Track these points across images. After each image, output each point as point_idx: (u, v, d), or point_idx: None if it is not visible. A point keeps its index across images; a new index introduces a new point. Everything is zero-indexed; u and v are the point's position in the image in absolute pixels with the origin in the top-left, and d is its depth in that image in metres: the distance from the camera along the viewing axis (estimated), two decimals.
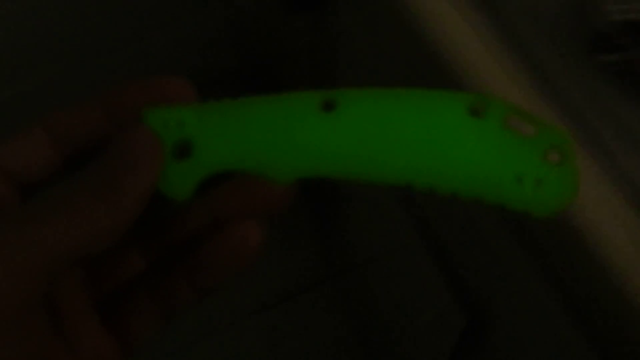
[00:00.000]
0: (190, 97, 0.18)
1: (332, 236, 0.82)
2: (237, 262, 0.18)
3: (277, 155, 0.18)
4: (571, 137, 0.18)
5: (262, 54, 0.84)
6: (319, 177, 0.18)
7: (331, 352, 0.76)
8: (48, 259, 0.15)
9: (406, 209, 0.52)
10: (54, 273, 0.15)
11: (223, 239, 0.18)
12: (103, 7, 0.77)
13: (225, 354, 0.76)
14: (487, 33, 0.33)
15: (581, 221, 0.28)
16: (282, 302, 0.78)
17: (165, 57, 0.81)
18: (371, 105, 0.18)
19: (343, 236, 0.80)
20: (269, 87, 0.24)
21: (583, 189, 0.22)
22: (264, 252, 0.18)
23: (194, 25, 0.82)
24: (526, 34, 0.33)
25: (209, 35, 0.84)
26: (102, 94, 0.18)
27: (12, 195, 0.17)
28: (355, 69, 0.53)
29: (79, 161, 0.18)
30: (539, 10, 0.34)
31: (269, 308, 0.78)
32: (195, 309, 0.19)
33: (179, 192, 0.18)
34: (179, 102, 0.18)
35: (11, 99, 0.78)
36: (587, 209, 0.29)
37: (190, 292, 0.19)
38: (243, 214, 0.18)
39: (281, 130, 0.18)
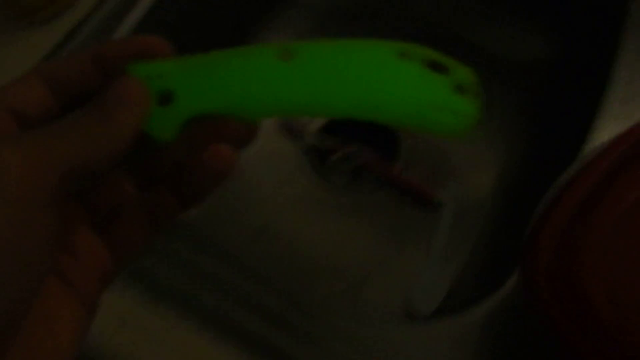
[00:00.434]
0: (168, 53, 0.21)
1: None
2: (216, 174, 0.23)
3: (244, 98, 0.21)
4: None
5: None
6: (282, 115, 0.22)
7: None
8: (65, 166, 0.18)
9: None
10: (66, 181, 0.18)
11: (203, 158, 0.22)
12: None
13: None
14: None
15: None
16: None
17: None
18: (321, 54, 0.22)
19: None
20: None
21: None
22: None
23: None
24: None
25: None
26: (90, 49, 0.21)
27: (16, 130, 0.20)
28: None
29: (73, 107, 0.21)
30: None
31: None
32: None
33: (164, 133, 0.21)
34: (159, 58, 0.21)
35: None
36: None
37: (175, 202, 0.23)
38: (217, 144, 0.22)
39: (247, 77, 0.21)
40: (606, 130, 0.41)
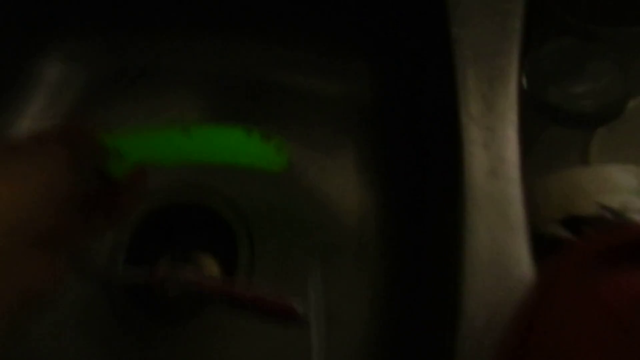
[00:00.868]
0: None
1: None
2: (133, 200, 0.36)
3: (160, 155, 0.36)
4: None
5: None
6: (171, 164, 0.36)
7: None
8: None
9: None
10: None
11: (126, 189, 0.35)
12: None
13: None
14: None
15: None
16: None
17: None
18: (207, 135, 0.37)
19: None
20: None
21: None
22: None
23: None
24: None
25: None
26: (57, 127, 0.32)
27: None
28: None
29: None
30: None
31: None
32: None
33: (118, 173, 0.35)
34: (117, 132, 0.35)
35: None
36: None
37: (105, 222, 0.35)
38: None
39: (161, 145, 0.37)
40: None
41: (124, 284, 0.49)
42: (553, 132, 0.47)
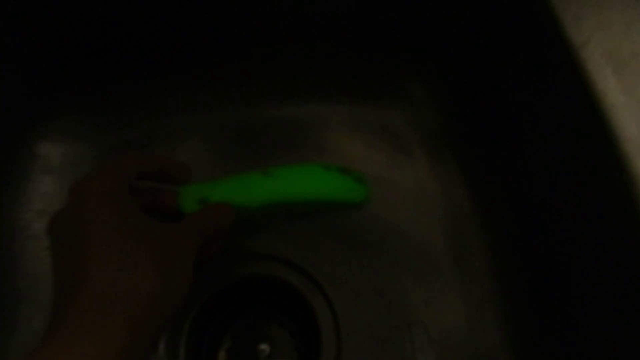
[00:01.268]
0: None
1: None
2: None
3: (243, 197, 0.37)
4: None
5: None
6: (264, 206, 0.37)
7: None
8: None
9: None
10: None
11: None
12: None
13: None
14: None
15: None
16: None
17: None
18: (287, 174, 0.38)
19: None
20: None
21: None
22: None
23: None
24: None
25: None
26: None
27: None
28: None
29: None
30: None
31: None
32: None
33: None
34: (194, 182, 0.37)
35: None
36: None
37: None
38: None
39: (244, 185, 0.37)
40: None
41: None
42: None
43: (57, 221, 0.30)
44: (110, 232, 0.28)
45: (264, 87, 0.48)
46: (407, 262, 0.44)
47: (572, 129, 0.33)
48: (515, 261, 0.43)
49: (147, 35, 0.44)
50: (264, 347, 0.44)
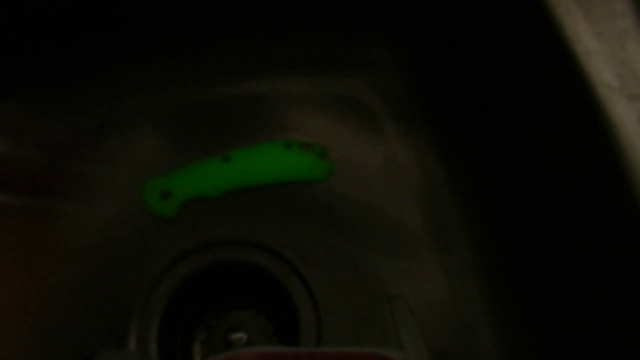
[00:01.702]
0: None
1: None
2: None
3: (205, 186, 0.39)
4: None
5: None
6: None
7: None
8: None
9: None
10: None
11: None
12: None
13: None
14: None
15: None
16: None
17: None
18: (246, 157, 0.39)
19: None
20: None
21: None
22: None
23: None
24: None
25: None
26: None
27: None
28: None
29: None
30: None
31: None
32: None
33: (167, 214, 0.39)
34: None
35: None
36: None
37: None
38: None
39: (204, 175, 0.39)
40: None
41: None
42: None
43: None
44: None
45: (218, 63, 0.46)
46: (382, 236, 0.43)
47: (544, 81, 0.32)
48: (494, 227, 0.42)
49: (92, 13, 0.42)
50: (241, 335, 0.42)
